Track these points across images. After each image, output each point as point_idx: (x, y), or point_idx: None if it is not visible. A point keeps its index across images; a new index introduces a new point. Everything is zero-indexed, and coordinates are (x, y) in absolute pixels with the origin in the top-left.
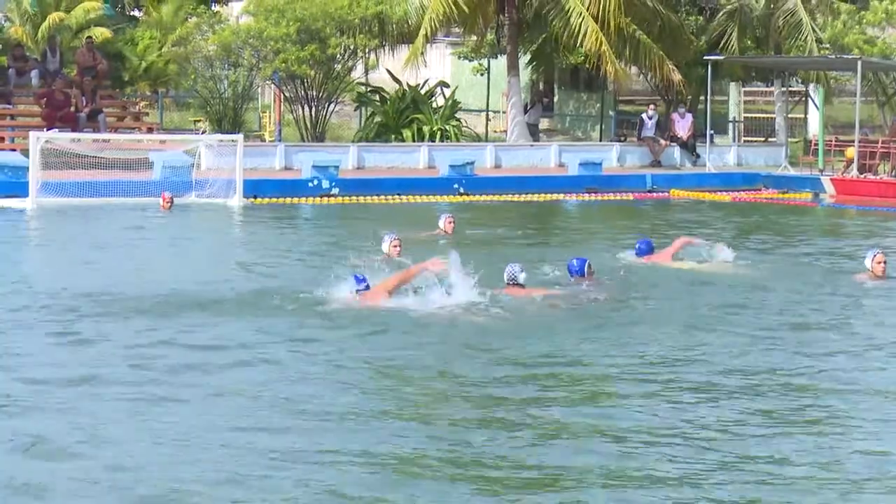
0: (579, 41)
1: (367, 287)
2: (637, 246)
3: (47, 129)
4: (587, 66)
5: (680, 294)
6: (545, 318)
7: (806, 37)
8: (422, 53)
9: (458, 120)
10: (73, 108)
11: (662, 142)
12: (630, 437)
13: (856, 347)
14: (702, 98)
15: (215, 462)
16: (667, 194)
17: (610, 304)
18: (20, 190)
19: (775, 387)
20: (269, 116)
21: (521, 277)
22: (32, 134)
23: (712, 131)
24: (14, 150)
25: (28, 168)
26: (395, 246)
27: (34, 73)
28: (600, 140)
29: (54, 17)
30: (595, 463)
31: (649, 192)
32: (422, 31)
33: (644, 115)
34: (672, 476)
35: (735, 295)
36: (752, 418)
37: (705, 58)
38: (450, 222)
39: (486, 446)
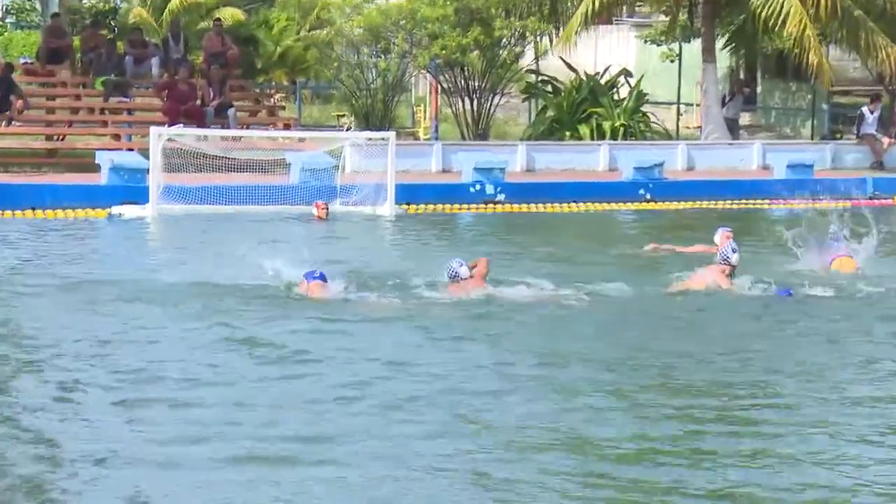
0: (780, 22)
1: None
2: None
3: (170, 126)
4: (796, 52)
5: None
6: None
7: None
8: (576, 33)
9: (644, 114)
10: (199, 102)
11: (886, 139)
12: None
13: None
14: None
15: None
16: (891, 201)
17: None
18: (139, 195)
19: None
20: (424, 111)
21: (463, 271)
22: (153, 130)
23: None
24: (132, 149)
25: (148, 170)
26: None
27: (155, 62)
28: (811, 138)
29: None
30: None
31: (870, 198)
32: (581, 8)
33: (864, 109)
34: None
35: None
36: None
37: None
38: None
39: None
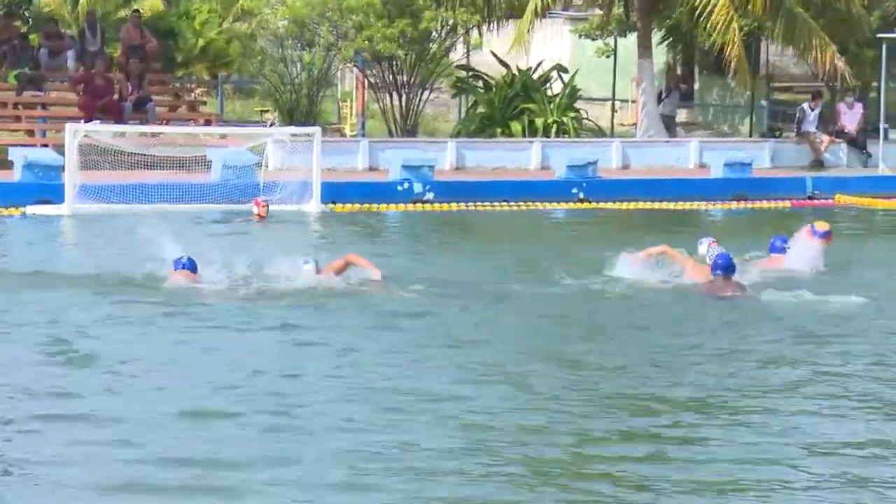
0: (707, 14)
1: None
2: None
3: (86, 121)
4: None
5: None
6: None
7: None
8: (527, 31)
9: (577, 111)
10: (116, 96)
11: (826, 138)
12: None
13: None
14: (874, 85)
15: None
16: (831, 201)
17: None
18: (54, 194)
19: None
20: (351, 106)
21: (306, 268)
22: (69, 126)
23: (887, 125)
24: (46, 145)
25: (63, 167)
26: None
27: (70, 54)
28: (750, 135)
29: None
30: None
31: (809, 198)
32: (531, 5)
33: (804, 106)
34: None
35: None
36: None
37: (878, 36)
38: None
39: None
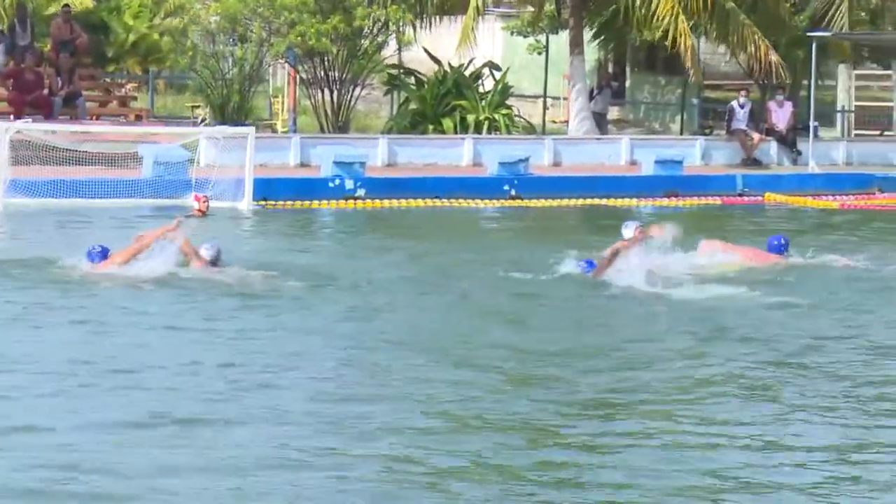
0: (650, 12)
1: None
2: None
3: (15, 116)
4: (666, 44)
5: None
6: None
7: None
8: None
9: (509, 108)
10: (46, 91)
11: (756, 136)
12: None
13: None
14: (804, 83)
15: None
16: (760, 199)
17: None
18: None
19: None
20: (282, 102)
21: (207, 254)
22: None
23: (816, 123)
24: None
25: None
26: None
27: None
28: (681, 133)
29: None
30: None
31: (740, 195)
32: (473, 2)
33: (734, 104)
34: None
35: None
36: None
37: (808, 34)
38: (204, 200)
39: None
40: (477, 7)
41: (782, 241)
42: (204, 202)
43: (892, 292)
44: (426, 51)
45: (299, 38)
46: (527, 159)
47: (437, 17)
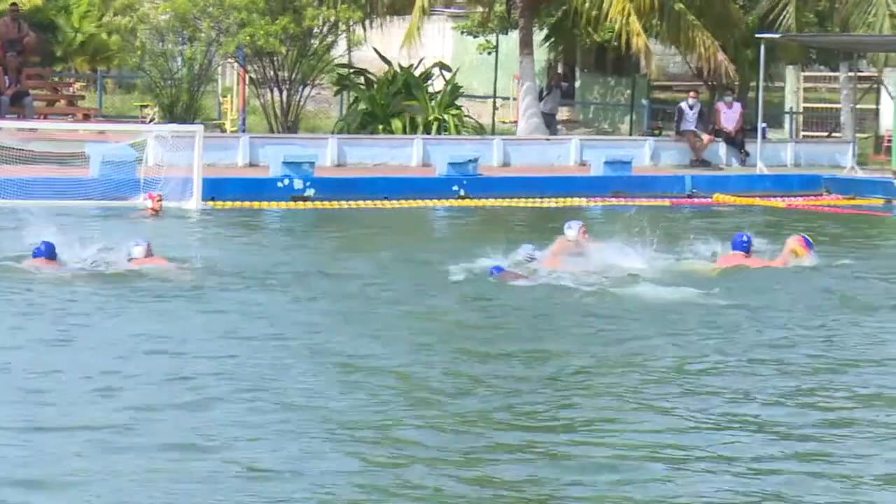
0: (603, 13)
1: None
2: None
3: None
4: (615, 44)
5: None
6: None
7: (877, 11)
8: (417, 28)
9: (459, 108)
10: None
11: (705, 137)
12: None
13: None
14: (752, 85)
15: None
16: (709, 199)
17: None
18: None
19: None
20: (231, 102)
21: (136, 251)
22: None
23: (765, 124)
24: None
25: None
26: None
27: None
28: (630, 134)
29: None
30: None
31: (689, 196)
32: (419, 2)
33: (683, 105)
34: None
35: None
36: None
37: (757, 36)
38: (157, 199)
39: None
40: (423, 7)
41: (744, 239)
42: (157, 201)
43: (847, 294)
44: (376, 51)
45: (248, 38)
46: (476, 160)
47: (388, 17)
